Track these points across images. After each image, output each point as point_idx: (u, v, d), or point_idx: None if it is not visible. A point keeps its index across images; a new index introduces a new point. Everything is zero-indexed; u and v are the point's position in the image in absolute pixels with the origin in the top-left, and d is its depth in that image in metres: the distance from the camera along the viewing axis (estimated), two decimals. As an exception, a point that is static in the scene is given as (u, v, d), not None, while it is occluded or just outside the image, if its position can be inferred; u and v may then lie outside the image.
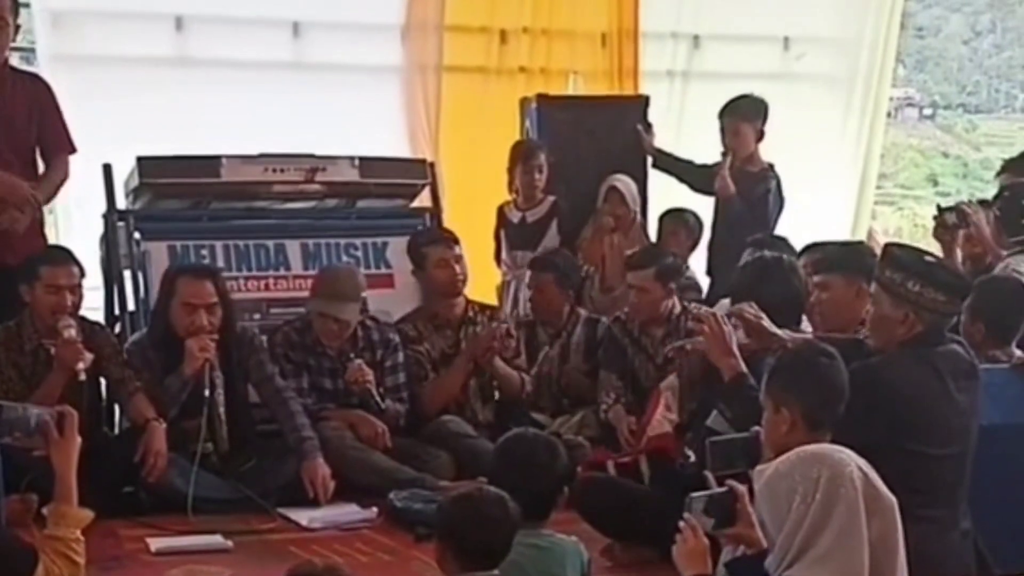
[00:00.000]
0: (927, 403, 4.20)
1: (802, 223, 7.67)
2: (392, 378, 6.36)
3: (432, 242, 6.66)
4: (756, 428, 3.95)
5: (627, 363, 6.59)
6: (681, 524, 3.60)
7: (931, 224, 6.49)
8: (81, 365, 5.55)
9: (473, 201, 7.95)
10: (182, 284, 5.90)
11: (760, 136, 7.47)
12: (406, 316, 6.69)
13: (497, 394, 6.62)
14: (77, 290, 5.83)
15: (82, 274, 5.89)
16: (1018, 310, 5.37)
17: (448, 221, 7.35)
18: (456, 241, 6.66)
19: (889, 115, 11.14)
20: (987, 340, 5.23)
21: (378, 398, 6.17)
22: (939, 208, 6.32)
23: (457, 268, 6.57)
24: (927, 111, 18.39)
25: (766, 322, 4.66)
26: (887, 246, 4.66)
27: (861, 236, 9.41)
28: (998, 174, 6.79)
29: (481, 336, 6.46)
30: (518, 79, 8.72)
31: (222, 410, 5.90)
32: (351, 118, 8.12)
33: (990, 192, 6.74)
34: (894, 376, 4.21)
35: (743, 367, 4.42)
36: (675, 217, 7.47)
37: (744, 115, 7.45)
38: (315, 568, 3.39)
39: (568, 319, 6.97)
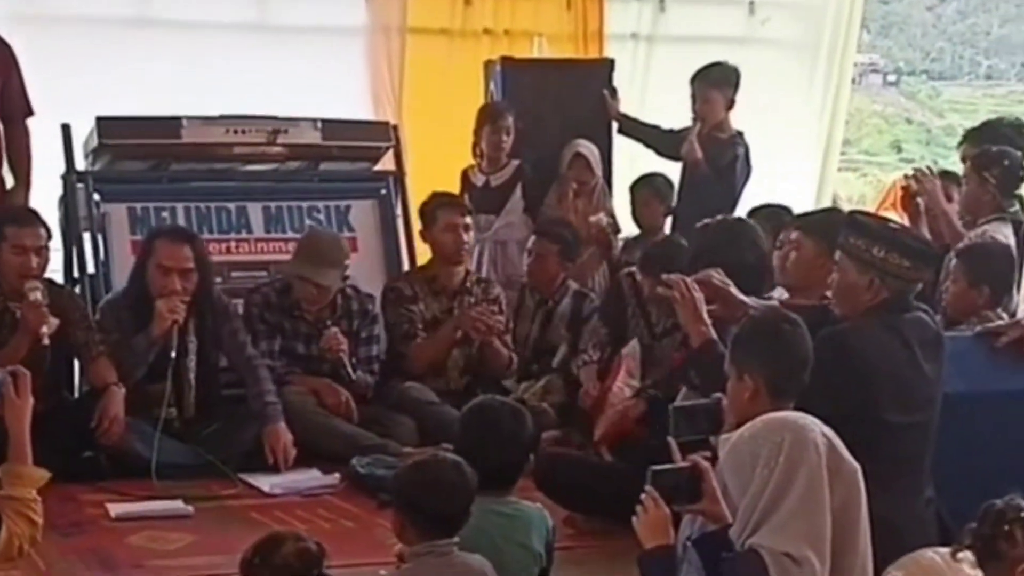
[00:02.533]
0: (893, 371, 4.19)
1: (766, 189, 7.65)
2: (366, 349, 6.34)
3: (444, 205, 6.63)
4: (718, 395, 3.93)
5: (623, 321, 6.49)
6: (643, 495, 3.59)
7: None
8: (45, 329, 5.50)
9: (436, 164, 7.89)
10: (159, 245, 5.88)
11: (730, 104, 7.45)
12: (405, 274, 6.72)
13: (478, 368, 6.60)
14: (43, 252, 5.79)
15: (49, 236, 5.86)
16: (1012, 270, 5.47)
17: (411, 184, 7.30)
18: (468, 210, 6.67)
19: (853, 81, 11.13)
20: (989, 303, 5.26)
21: (350, 368, 6.15)
22: (906, 177, 6.32)
23: (464, 235, 6.56)
24: (891, 77, 18.42)
25: (733, 289, 4.63)
26: (851, 213, 4.66)
27: (825, 203, 9.42)
28: (960, 143, 6.77)
29: (474, 314, 6.43)
30: (482, 41, 8.65)
31: (192, 375, 5.88)
32: (314, 80, 8.05)
33: (953, 159, 6.75)
34: (861, 343, 4.20)
35: (712, 334, 4.39)
36: (647, 184, 7.41)
37: (715, 82, 7.42)
38: (281, 538, 3.37)
39: (558, 289, 6.93)
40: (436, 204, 6.65)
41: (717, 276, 4.65)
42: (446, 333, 6.47)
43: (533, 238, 7.01)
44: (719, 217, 5.36)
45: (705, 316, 4.43)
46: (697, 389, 4.36)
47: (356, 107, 8.16)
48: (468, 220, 6.61)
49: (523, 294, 6.97)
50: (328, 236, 6.48)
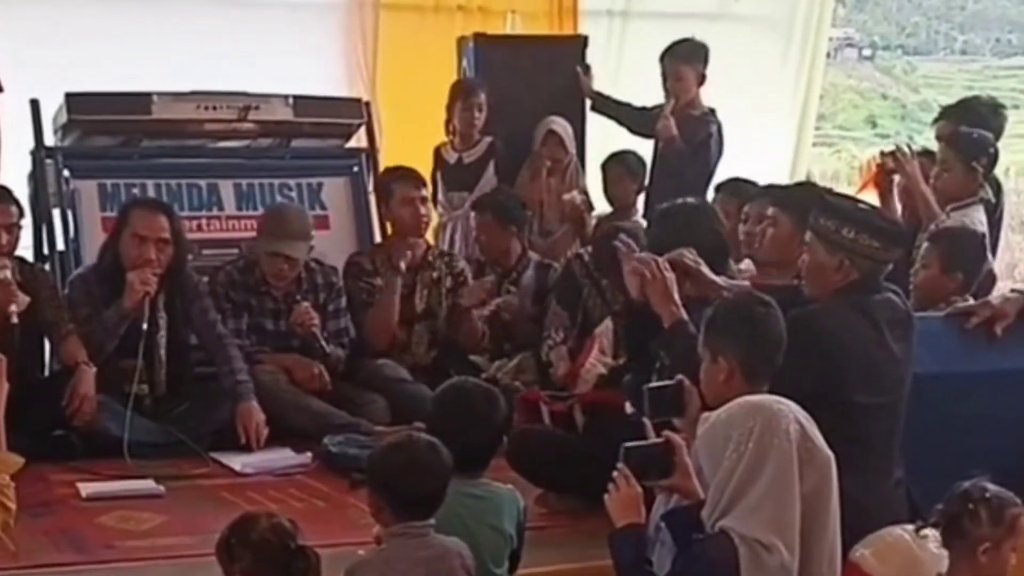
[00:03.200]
0: (862, 352, 4.19)
1: (740, 166, 7.65)
2: (334, 323, 6.32)
3: (399, 179, 6.60)
4: (680, 376, 3.94)
5: (580, 302, 6.51)
6: (614, 473, 3.59)
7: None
8: (13, 308, 5.45)
9: (409, 141, 7.87)
10: (135, 215, 5.84)
11: (702, 80, 7.43)
12: (365, 250, 6.68)
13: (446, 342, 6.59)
14: (14, 229, 5.76)
15: (21, 214, 5.83)
16: (984, 258, 5.48)
17: (384, 161, 7.28)
18: (424, 182, 6.64)
19: (828, 56, 11.14)
20: (960, 289, 5.27)
21: (323, 342, 6.14)
22: (881, 154, 6.30)
23: (422, 209, 6.55)
24: (866, 52, 18.44)
25: (705, 269, 4.62)
26: (822, 194, 4.65)
27: (800, 178, 9.42)
28: (935, 121, 6.76)
29: (475, 288, 6.51)
30: (456, 17, 8.62)
31: (163, 352, 5.85)
32: (286, 56, 8.01)
33: (928, 135, 6.74)
34: (830, 324, 4.19)
35: (683, 314, 4.37)
36: (618, 162, 7.40)
37: (686, 58, 7.39)
38: (254, 516, 3.38)
39: (518, 261, 6.91)
40: (392, 178, 6.64)
41: (689, 256, 4.64)
42: (389, 298, 6.41)
43: (471, 215, 6.99)
44: (678, 201, 5.33)
45: (676, 296, 4.42)
46: (668, 368, 4.34)
47: (329, 83, 8.13)
48: (425, 193, 6.60)
49: (482, 269, 6.93)
50: (293, 209, 6.45)
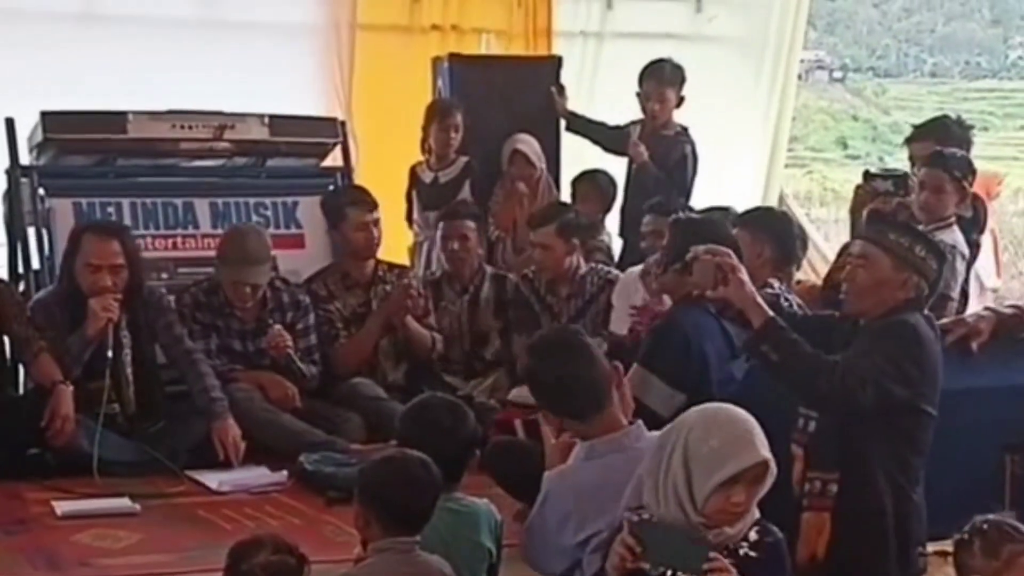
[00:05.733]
0: (936, 365, 4.27)
1: (713, 187, 7.70)
2: (304, 340, 6.31)
3: (353, 203, 6.61)
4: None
5: (536, 322, 6.58)
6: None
7: (840, 186, 6.52)
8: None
9: (385, 160, 7.89)
10: (87, 242, 5.80)
11: (680, 101, 7.48)
12: (316, 274, 6.65)
13: (408, 354, 6.58)
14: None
15: None
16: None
17: (360, 180, 7.29)
18: (376, 205, 6.63)
19: (800, 78, 11.21)
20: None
21: (300, 364, 6.14)
22: (866, 174, 6.31)
23: (375, 231, 6.56)
24: (837, 74, 18.57)
25: (743, 275, 4.40)
26: (877, 210, 4.64)
27: (772, 200, 9.48)
28: (907, 141, 6.80)
29: (393, 295, 6.45)
30: (431, 38, 8.66)
31: (129, 371, 5.82)
32: (262, 75, 8.02)
33: (898, 155, 6.78)
34: (926, 334, 4.24)
35: (770, 311, 4.28)
36: (589, 180, 7.45)
37: (669, 80, 7.45)
38: (260, 540, 3.41)
39: (474, 275, 6.92)
40: (345, 202, 6.64)
41: (730, 259, 4.53)
42: (372, 325, 6.44)
43: (443, 225, 6.92)
44: (697, 210, 5.35)
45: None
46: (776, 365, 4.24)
47: (305, 103, 8.13)
48: (377, 215, 6.59)
49: (439, 287, 6.90)
50: (251, 232, 6.35)
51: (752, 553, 3.38)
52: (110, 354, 5.67)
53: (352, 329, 6.49)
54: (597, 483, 3.81)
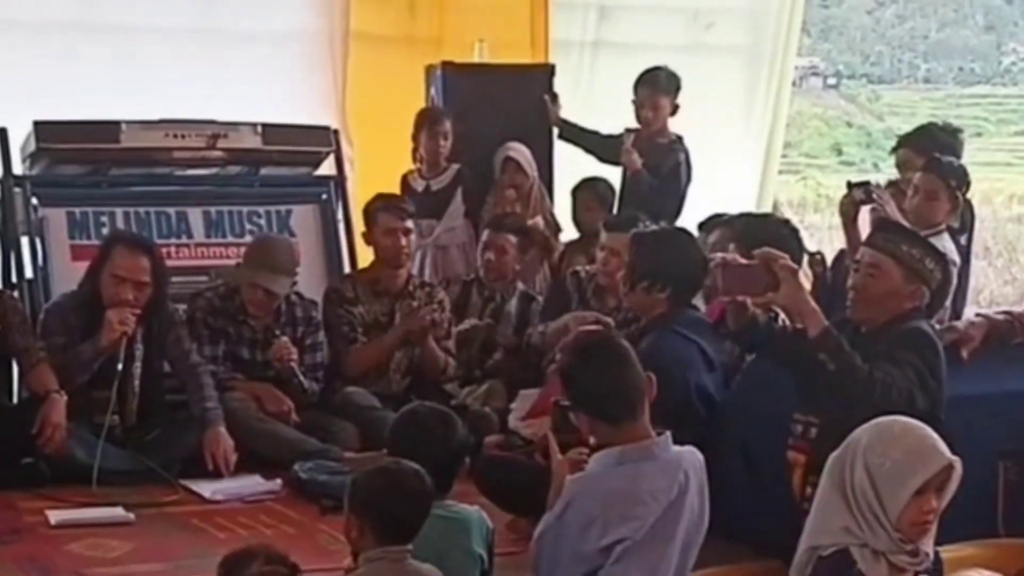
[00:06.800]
0: (945, 373, 4.32)
1: (707, 193, 7.70)
2: (311, 356, 6.31)
3: (383, 208, 6.59)
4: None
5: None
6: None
7: (834, 193, 6.53)
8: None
9: (379, 169, 7.88)
10: (118, 254, 5.80)
11: (675, 109, 7.48)
12: (347, 275, 6.70)
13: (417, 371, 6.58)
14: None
15: None
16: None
17: (356, 189, 7.30)
18: (409, 214, 6.60)
19: (794, 84, 11.22)
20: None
21: (301, 378, 6.14)
22: (849, 184, 6.32)
23: (403, 240, 6.52)
24: (831, 80, 18.60)
25: (800, 279, 4.39)
26: (888, 221, 4.64)
27: (767, 207, 9.48)
28: (894, 149, 6.79)
29: (418, 315, 6.42)
30: (425, 46, 8.64)
31: (137, 383, 5.82)
32: (256, 84, 8.00)
33: (892, 162, 6.78)
34: (939, 344, 4.30)
35: (824, 319, 4.27)
36: (588, 188, 7.42)
37: (664, 88, 7.44)
38: (252, 550, 3.41)
39: (505, 288, 6.89)
40: (378, 206, 6.63)
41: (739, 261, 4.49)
42: (391, 337, 6.46)
43: (488, 232, 6.93)
44: (653, 227, 5.34)
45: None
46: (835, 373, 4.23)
47: (299, 111, 8.12)
48: (408, 224, 6.57)
49: (468, 290, 6.92)
50: (283, 244, 6.42)
51: None
52: (120, 366, 5.68)
53: (371, 335, 6.50)
54: (627, 489, 3.82)
